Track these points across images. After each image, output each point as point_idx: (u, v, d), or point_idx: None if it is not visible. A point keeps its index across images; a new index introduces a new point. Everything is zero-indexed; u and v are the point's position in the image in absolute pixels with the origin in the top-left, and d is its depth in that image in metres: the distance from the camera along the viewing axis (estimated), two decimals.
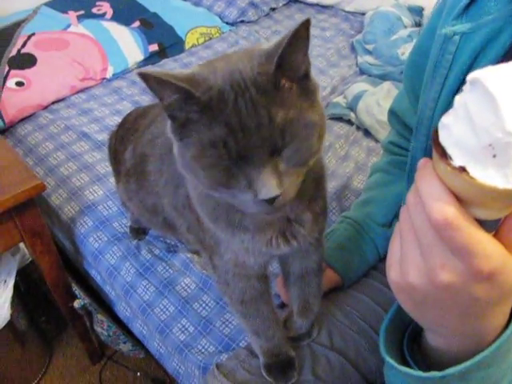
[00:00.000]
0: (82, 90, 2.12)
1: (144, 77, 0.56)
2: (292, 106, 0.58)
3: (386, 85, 1.92)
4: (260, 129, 0.56)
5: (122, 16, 2.39)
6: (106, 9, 2.43)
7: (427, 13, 2.25)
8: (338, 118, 1.91)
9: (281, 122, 0.57)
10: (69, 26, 2.28)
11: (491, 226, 0.45)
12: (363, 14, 2.50)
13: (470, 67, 0.73)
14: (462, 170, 0.41)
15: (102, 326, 1.59)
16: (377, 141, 1.80)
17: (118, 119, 1.88)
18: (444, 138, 0.43)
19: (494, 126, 0.39)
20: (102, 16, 2.38)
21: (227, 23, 2.58)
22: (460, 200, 0.43)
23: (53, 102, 2.05)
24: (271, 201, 0.58)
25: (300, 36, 0.56)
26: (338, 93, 2.04)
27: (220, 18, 2.58)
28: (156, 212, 1.04)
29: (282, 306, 1.10)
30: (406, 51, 2.10)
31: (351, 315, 1.02)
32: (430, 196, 0.44)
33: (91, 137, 1.85)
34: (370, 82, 2.04)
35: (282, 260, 0.95)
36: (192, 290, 1.35)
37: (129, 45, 2.26)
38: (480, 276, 0.43)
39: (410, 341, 0.64)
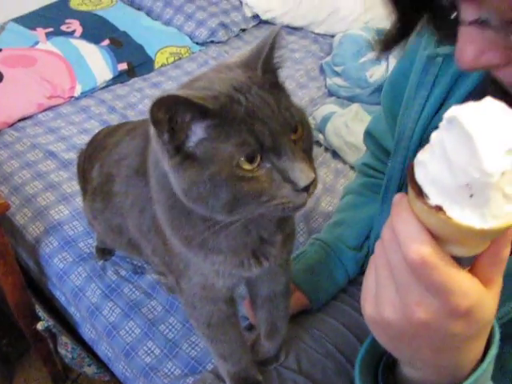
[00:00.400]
0: (49, 108, 2.09)
1: (155, 103, 0.55)
2: (286, 100, 0.63)
3: (355, 107, 1.95)
4: (277, 116, 0.60)
5: (92, 34, 2.37)
6: (76, 26, 2.41)
7: None
8: None
9: (287, 107, 0.61)
10: (37, 43, 2.26)
11: (467, 263, 0.45)
12: (332, 36, 2.54)
13: (451, 89, 0.74)
14: (439, 209, 0.41)
15: (66, 349, 1.55)
16: (345, 162, 1.82)
17: (85, 138, 1.87)
18: (420, 176, 0.43)
19: (471, 166, 0.39)
20: (71, 34, 2.36)
21: (197, 43, 2.58)
22: (436, 237, 0.43)
23: (19, 120, 2.02)
24: (308, 188, 0.60)
25: (275, 42, 0.63)
26: (307, 114, 2.06)
27: (190, 37, 2.58)
28: (121, 233, 1.03)
29: (250, 328, 1.10)
30: (374, 74, 2.13)
31: (319, 338, 1.02)
32: (406, 235, 0.44)
33: (58, 155, 1.82)
34: (338, 103, 2.06)
35: (249, 283, 0.94)
36: (158, 312, 1.33)
37: (98, 63, 2.24)
38: (457, 313, 0.43)
39: (385, 370, 0.64)
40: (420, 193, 0.43)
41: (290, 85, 2.26)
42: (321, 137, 1.90)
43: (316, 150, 1.89)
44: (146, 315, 1.32)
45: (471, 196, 0.40)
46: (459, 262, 0.44)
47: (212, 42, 2.62)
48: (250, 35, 2.73)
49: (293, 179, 0.59)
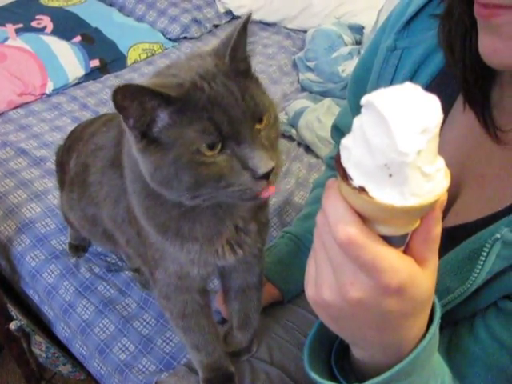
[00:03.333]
0: (20, 106, 2.07)
1: (117, 91, 0.56)
2: (253, 89, 0.64)
3: (327, 101, 1.96)
4: (239, 104, 0.60)
5: (63, 30, 2.35)
6: (46, 23, 2.38)
7: (367, 31, 2.31)
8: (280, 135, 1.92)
9: (252, 96, 0.62)
10: (6, 39, 2.22)
11: (399, 242, 0.46)
12: (305, 31, 2.54)
13: (411, 80, 0.76)
14: (362, 189, 0.43)
15: (40, 348, 1.54)
16: (317, 157, 1.83)
17: (57, 135, 1.86)
18: (344, 159, 0.45)
19: (387, 147, 0.40)
20: (41, 30, 2.33)
21: (170, 39, 2.58)
22: (364, 218, 0.45)
23: None
24: (267, 176, 0.61)
25: (245, 29, 0.64)
26: (280, 109, 2.07)
27: (163, 34, 2.58)
28: (96, 223, 1.03)
29: (223, 322, 1.10)
30: (346, 68, 2.15)
31: (291, 329, 1.03)
32: (334, 217, 0.45)
33: (29, 153, 1.80)
34: (311, 98, 2.07)
35: (222, 274, 0.95)
36: (133, 309, 1.33)
37: (69, 60, 2.22)
38: (388, 290, 0.44)
39: (340, 353, 0.65)
40: (345, 175, 0.44)
41: (262, 80, 2.23)
42: (293, 131, 1.91)
43: (289, 145, 1.90)
44: (120, 312, 1.32)
45: (390, 176, 0.41)
46: (390, 241, 0.45)
47: (185, 38, 2.61)
48: (223, 31, 2.72)
49: (251, 166, 0.60)
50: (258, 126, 0.63)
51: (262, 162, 0.60)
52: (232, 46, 0.63)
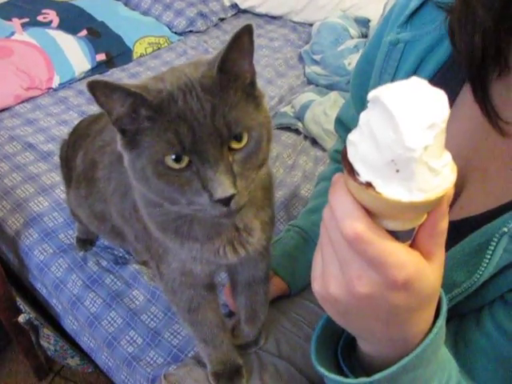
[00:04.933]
0: (26, 100, 2.07)
1: (93, 86, 0.57)
2: (237, 106, 0.61)
3: (333, 94, 1.96)
4: (207, 122, 0.59)
5: (69, 24, 2.35)
6: (52, 17, 2.38)
7: (373, 24, 2.31)
8: (286, 128, 1.93)
9: (226, 116, 0.60)
10: (13, 33, 2.22)
11: (405, 236, 0.46)
12: (311, 24, 2.54)
13: (414, 73, 0.76)
14: (369, 185, 0.43)
15: (48, 341, 1.55)
16: (324, 150, 1.83)
17: (64, 129, 1.87)
18: (351, 155, 0.45)
19: (394, 143, 0.40)
20: (47, 24, 2.33)
21: (176, 33, 2.57)
22: (371, 213, 0.45)
23: None
24: (227, 202, 0.60)
25: (241, 42, 0.60)
26: (286, 102, 2.07)
27: (169, 27, 2.57)
28: (104, 219, 1.04)
29: (230, 314, 1.11)
30: (352, 61, 2.14)
31: (298, 322, 1.03)
32: (341, 212, 0.45)
33: (36, 147, 1.81)
34: (317, 91, 2.07)
35: (229, 269, 0.95)
36: (140, 301, 1.33)
37: (75, 54, 2.22)
38: (395, 285, 0.45)
39: (347, 347, 0.65)
40: (352, 171, 0.44)
41: (268, 73, 2.26)
42: (300, 125, 1.91)
43: (295, 138, 1.90)
44: (127, 305, 1.32)
45: (397, 171, 0.41)
46: (397, 236, 0.46)
47: (191, 31, 2.61)
48: (229, 25, 2.72)
49: (209, 189, 0.59)
50: (234, 145, 0.61)
51: (220, 187, 0.59)
52: (221, 58, 0.60)
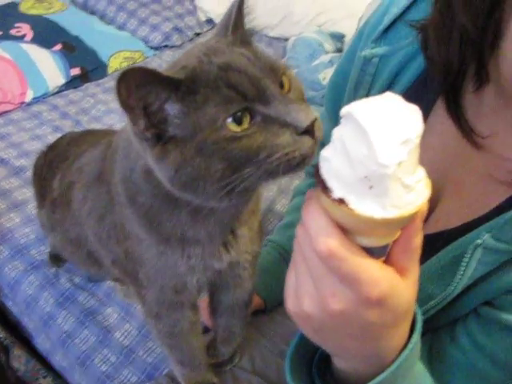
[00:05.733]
0: None
1: (121, 84, 0.49)
2: (260, 51, 0.59)
3: None
4: (254, 62, 0.55)
5: (43, 38, 2.33)
6: (26, 31, 2.36)
7: (348, 39, 2.33)
8: None
9: (267, 56, 0.57)
10: None
11: (380, 253, 0.46)
12: (286, 39, 2.56)
13: (389, 88, 0.76)
14: (342, 201, 0.42)
15: (19, 361, 1.51)
16: None
17: (37, 144, 1.84)
18: (324, 171, 0.44)
19: (367, 159, 0.40)
20: (21, 38, 2.31)
21: (151, 48, 2.57)
22: (345, 230, 0.44)
23: None
24: (312, 129, 0.52)
25: (241, 8, 0.61)
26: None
27: (144, 42, 2.57)
28: (79, 245, 0.99)
29: (205, 330, 1.09)
30: (327, 76, 2.15)
31: (273, 338, 1.03)
32: (314, 229, 0.45)
33: (9, 162, 1.78)
34: None
35: (214, 290, 0.94)
36: (114, 319, 1.31)
37: (49, 68, 2.21)
38: (370, 302, 0.44)
39: (322, 363, 0.65)
40: (325, 187, 0.44)
41: None
42: None
43: None
44: (101, 323, 1.30)
45: (371, 187, 0.41)
46: (371, 252, 0.45)
47: (166, 46, 2.61)
48: (205, 39, 2.72)
49: (291, 122, 0.52)
50: (285, 80, 0.57)
51: (301, 113, 0.52)
52: (233, 21, 0.60)
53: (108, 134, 0.98)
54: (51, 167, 1.12)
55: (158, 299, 0.82)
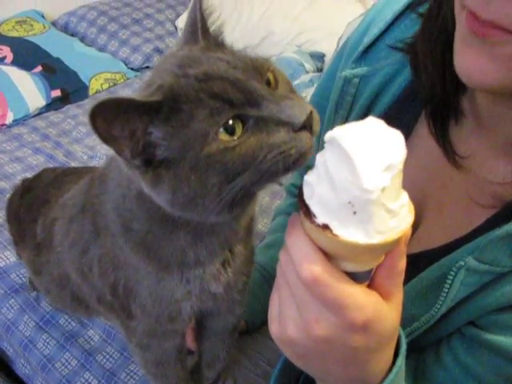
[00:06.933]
0: None
1: (95, 116, 0.46)
2: (237, 52, 0.57)
3: None
4: (235, 65, 0.52)
5: (23, 60, 2.33)
6: (6, 53, 2.36)
7: (328, 59, 2.36)
8: None
9: (246, 56, 0.54)
10: None
11: (363, 278, 0.46)
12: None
13: (369, 108, 0.77)
14: (326, 227, 0.42)
15: None
16: (281, 184, 1.83)
17: (17, 166, 1.84)
18: (308, 196, 0.44)
19: (351, 184, 0.40)
20: (1, 60, 2.31)
21: (132, 69, 2.58)
22: (328, 255, 0.44)
23: None
24: (309, 123, 0.49)
25: (202, 10, 0.58)
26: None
27: (125, 63, 2.58)
28: (62, 285, 0.95)
29: (189, 353, 1.08)
30: (307, 96, 2.16)
31: (256, 360, 1.02)
32: (297, 255, 0.45)
33: None
34: None
35: (203, 315, 0.91)
36: (95, 341, 1.30)
37: (30, 90, 2.20)
38: (354, 327, 0.44)
39: None
40: (308, 212, 0.44)
41: None
42: None
43: None
44: (82, 346, 1.28)
45: (355, 213, 0.41)
46: (354, 277, 0.45)
47: (147, 67, 2.62)
48: (173, 50, 2.74)
49: (286, 120, 0.49)
50: (270, 77, 0.54)
51: (296, 109, 0.49)
52: (201, 24, 0.57)
53: (89, 171, 0.95)
54: (30, 210, 1.07)
55: (149, 330, 0.80)
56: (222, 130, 0.49)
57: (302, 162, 0.50)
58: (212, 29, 0.59)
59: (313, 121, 0.50)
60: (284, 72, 0.57)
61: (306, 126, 0.49)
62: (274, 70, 0.54)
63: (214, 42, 0.58)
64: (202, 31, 0.57)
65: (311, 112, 0.49)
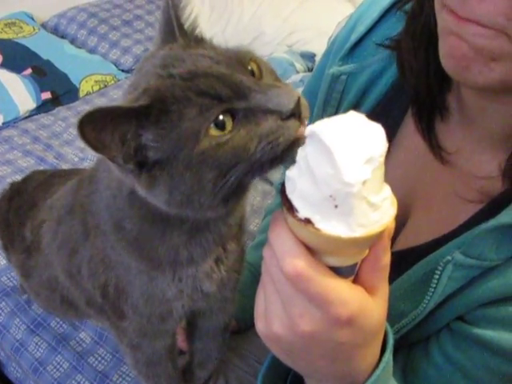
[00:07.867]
0: None
1: (83, 126, 0.46)
2: (218, 47, 0.57)
3: None
4: (218, 60, 0.52)
5: (13, 63, 2.32)
6: None
7: (319, 58, 2.36)
8: None
9: (227, 50, 0.55)
10: None
11: (348, 272, 0.46)
12: None
13: (357, 105, 0.77)
14: (308, 221, 0.42)
15: None
16: (272, 183, 1.84)
17: (7, 169, 1.83)
18: (290, 191, 0.44)
19: (332, 178, 0.40)
20: None
21: (123, 71, 2.57)
22: (312, 250, 0.44)
23: None
24: (297, 110, 0.49)
25: (176, 7, 0.58)
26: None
27: (115, 65, 2.57)
28: (52, 288, 0.95)
29: (180, 353, 1.08)
30: None
31: (248, 359, 1.02)
32: (280, 250, 0.45)
33: None
34: None
35: (195, 315, 0.91)
36: (87, 343, 1.29)
37: (20, 92, 2.19)
38: (339, 322, 0.44)
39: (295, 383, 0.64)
40: (291, 207, 0.44)
41: None
42: None
43: None
44: (74, 348, 1.28)
45: (336, 207, 0.41)
46: (339, 272, 0.45)
47: None
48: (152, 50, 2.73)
49: (274, 108, 0.48)
50: (253, 66, 0.54)
51: (283, 97, 0.48)
52: (177, 22, 0.57)
53: (78, 173, 0.95)
54: (19, 213, 1.06)
55: (140, 329, 0.80)
56: (212, 126, 0.49)
57: (291, 151, 0.48)
58: (187, 25, 0.59)
59: (301, 107, 0.49)
60: (267, 62, 0.56)
61: (295, 113, 0.49)
62: (256, 59, 0.54)
63: (193, 39, 0.57)
64: (178, 29, 0.57)
65: (299, 98, 0.49)
